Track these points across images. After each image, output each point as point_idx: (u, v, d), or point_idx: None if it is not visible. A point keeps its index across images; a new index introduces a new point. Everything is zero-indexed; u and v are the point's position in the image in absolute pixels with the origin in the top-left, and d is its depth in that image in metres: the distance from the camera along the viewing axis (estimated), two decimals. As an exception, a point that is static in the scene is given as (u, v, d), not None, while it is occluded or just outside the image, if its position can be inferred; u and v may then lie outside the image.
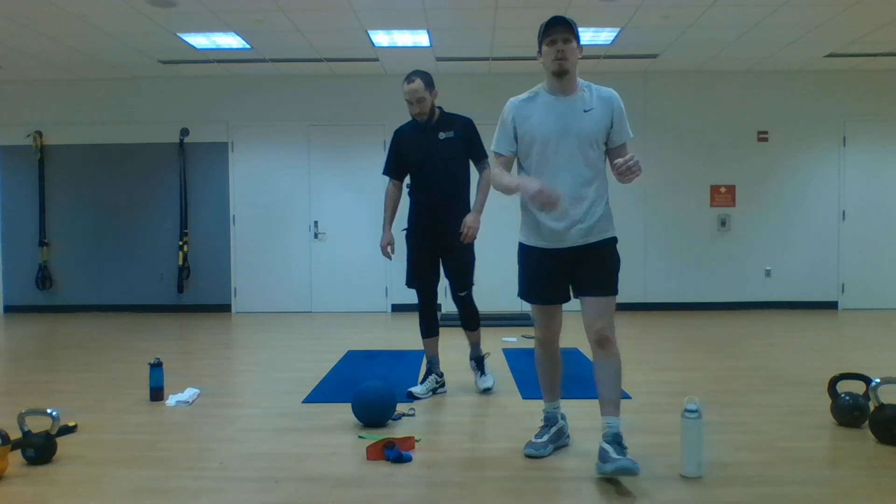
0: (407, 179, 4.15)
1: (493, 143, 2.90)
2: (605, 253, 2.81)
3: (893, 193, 8.07)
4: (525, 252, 2.96)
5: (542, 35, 2.75)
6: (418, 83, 3.83)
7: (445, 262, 4.08)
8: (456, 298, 4.13)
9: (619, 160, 2.62)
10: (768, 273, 8.11)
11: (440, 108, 4.01)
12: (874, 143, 8.02)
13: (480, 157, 4.00)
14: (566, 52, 2.71)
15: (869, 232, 8.08)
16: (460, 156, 3.98)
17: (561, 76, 2.75)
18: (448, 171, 3.96)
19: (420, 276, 4.10)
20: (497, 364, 5.04)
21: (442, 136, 3.93)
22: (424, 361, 4.28)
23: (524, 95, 2.87)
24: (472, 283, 4.14)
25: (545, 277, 2.88)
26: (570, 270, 2.83)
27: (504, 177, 2.86)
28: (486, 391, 4.14)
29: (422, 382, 4.12)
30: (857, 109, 8.02)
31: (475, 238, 3.93)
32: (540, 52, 2.78)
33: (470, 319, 4.17)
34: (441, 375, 4.18)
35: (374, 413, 3.46)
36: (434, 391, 4.11)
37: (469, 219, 3.90)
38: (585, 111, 2.75)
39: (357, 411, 3.48)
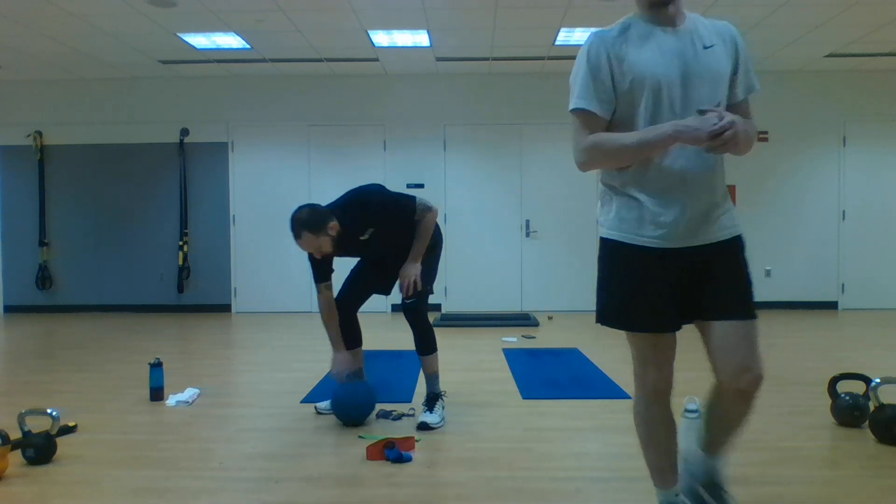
0: None
1: (572, 99, 1.95)
2: (740, 256, 2.01)
3: (893, 193, 8.07)
4: (616, 252, 2.01)
5: None
6: (305, 235, 3.31)
7: (392, 266, 3.63)
8: (403, 308, 3.59)
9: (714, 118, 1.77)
10: (768, 273, 8.11)
11: (345, 225, 3.42)
12: (874, 143, 8.02)
13: (407, 221, 3.47)
14: None
15: (869, 232, 8.08)
16: (388, 239, 3.53)
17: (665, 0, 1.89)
18: (382, 252, 3.62)
19: (360, 276, 3.76)
20: (497, 364, 5.04)
21: (365, 236, 3.49)
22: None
23: (612, 28, 1.96)
24: (426, 292, 3.60)
25: (654, 291, 1.96)
26: (689, 282, 1.97)
27: (619, 137, 1.90)
28: (422, 426, 3.39)
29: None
30: (857, 109, 8.02)
31: (420, 288, 3.49)
32: None
33: (422, 339, 3.59)
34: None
35: (353, 412, 3.49)
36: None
37: (408, 270, 3.46)
38: (706, 48, 1.92)
39: (338, 412, 3.54)
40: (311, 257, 3.52)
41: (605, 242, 2.03)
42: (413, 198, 3.50)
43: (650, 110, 1.89)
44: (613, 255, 2.01)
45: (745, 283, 1.99)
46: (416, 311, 3.57)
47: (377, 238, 3.50)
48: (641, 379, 2.07)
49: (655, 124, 1.87)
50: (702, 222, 1.94)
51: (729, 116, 1.77)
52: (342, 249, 3.50)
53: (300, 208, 3.38)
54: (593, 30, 2.07)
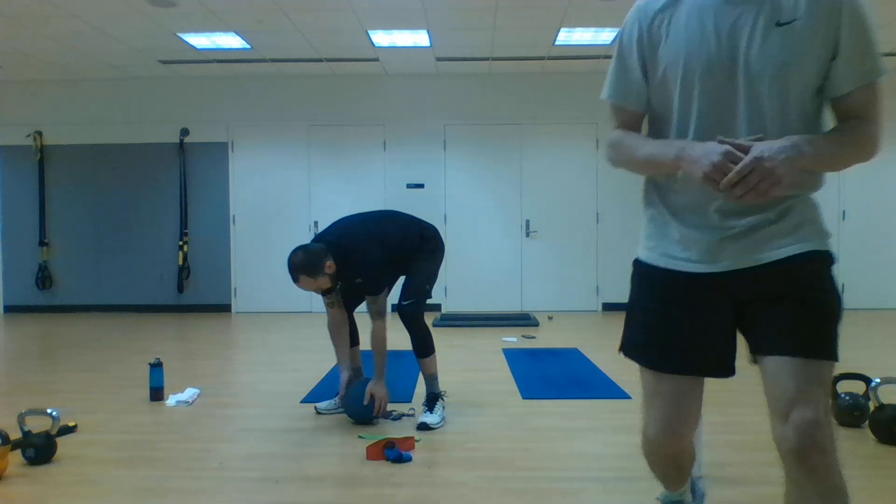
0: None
1: (604, 88, 1.67)
2: (812, 277, 1.48)
3: (893, 193, 8.07)
4: (642, 274, 1.66)
5: None
6: (303, 278, 3.35)
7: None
8: (399, 309, 3.55)
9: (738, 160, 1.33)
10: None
11: (339, 264, 3.42)
12: (874, 143, 8.01)
13: (368, 293, 3.48)
14: None
15: (869, 232, 8.07)
16: (384, 278, 3.55)
17: None
18: (385, 283, 3.57)
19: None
20: (497, 364, 5.04)
21: (360, 280, 3.50)
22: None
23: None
24: (423, 294, 3.57)
25: (684, 325, 1.57)
26: (739, 312, 1.55)
27: (634, 143, 1.57)
28: (422, 426, 3.41)
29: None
30: (857, 109, 8.02)
31: (385, 409, 3.51)
32: None
33: (420, 342, 3.58)
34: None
35: (366, 411, 3.50)
36: (339, 407, 3.73)
37: (376, 390, 3.45)
38: (780, 24, 1.41)
39: (351, 410, 3.57)
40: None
41: (634, 262, 1.68)
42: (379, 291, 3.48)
43: (682, 112, 1.49)
44: (639, 279, 1.66)
45: (815, 310, 1.45)
46: (413, 315, 3.55)
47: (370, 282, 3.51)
48: (649, 428, 1.66)
49: (687, 131, 1.48)
50: (747, 241, 1.48)
51: (753, 153, 1.32)
52: (342, 282, 3.56)
53: (295, 251, 3.40)
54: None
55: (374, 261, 3.44)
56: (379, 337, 3.46)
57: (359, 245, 3.45)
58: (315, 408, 3.79)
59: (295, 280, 3.36)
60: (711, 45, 1.44)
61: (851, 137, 1.46)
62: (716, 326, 1.56)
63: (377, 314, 3.47)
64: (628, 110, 1.61)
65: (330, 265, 3.37)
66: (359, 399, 3.49)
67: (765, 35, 1.41)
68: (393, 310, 3.59)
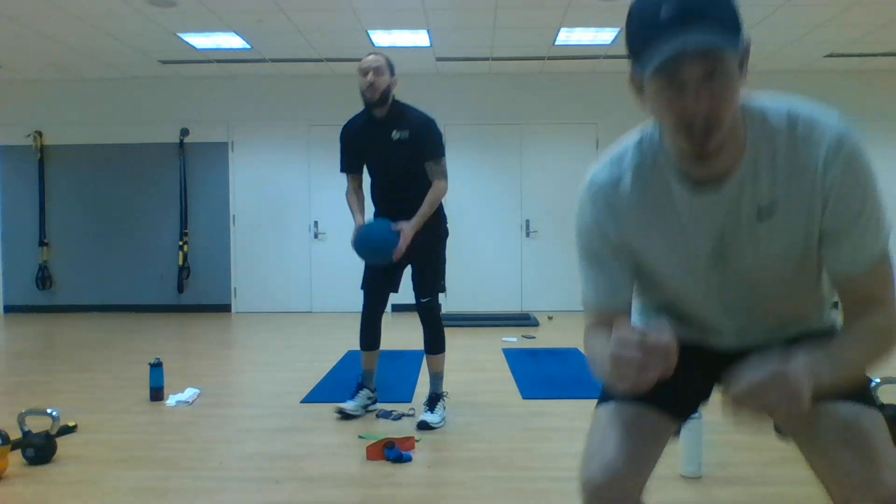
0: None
1: (585, 294, 1.35)
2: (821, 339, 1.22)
3: (893, 193, 8.05)
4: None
5: (643, 53, 1.07)
6: (380, 57, 3.41)
7: (411, 265, 3.61)
8: (416, 307, 3.58)
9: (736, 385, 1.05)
10: (768, 273, 8.11)
11: (397, 101, 3.51)
12: (874, 143, 7.99)
13: (433, 157, 3.45)
14: (714, 93, 1.06)
15: (869, 232, 8.06)
16: (417, 157, 3.47)
17: (705, 155, 1.12)
18: (404, 171, 3.48)
19: (372, 281, 3.66)
20: (497, 364, 5.04)
21: (395, 135, 3.43)
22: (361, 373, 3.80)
23: (606, 173, 1.29)
24: (439, 290, 3.58)
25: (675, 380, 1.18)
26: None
27: (596, 344, 1.26)
28: (422, 425, 3.40)
29: (353, 398, 3.65)
30: (857, 109, 8.00)
31: (402, 254, 3.38)
32: (638, 80, 1.15)
33: (433, 338, 3.59)
34: (374, 391, 3.75)
35: (380, 245, 3.39)
36: (366, 408, 3.68)
37: (405, 227, 3.37)
38: (761, 220, 1.19)
39: (362, 247, 3.44)
40: (344, 143, 3.71)
41: None
42: (444, 153, 3.53)
43: (676, 299, 1.34)
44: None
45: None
46: (432, 309, 3.57)
47: (400, 150, 3.46)
48: (588, 467, 1.27)
49: (684, 310, 1.33)
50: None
51: (746, 379, 1.04)
52: (373, 131, 3.52)
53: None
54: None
55: (433, 125, 3.51)
56: (439, 193, 3.46)
57: (421, 111, 3.57)
58: (340, 409, 3.61)
59: (371, 54, 3.45)
60: (681, 255, 1.26)
61: (870, 344, 1.19)
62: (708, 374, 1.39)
63: (441, 175, 3.47)
64: (613, 313, 1.29)
65: (396, 80, 3.46)
66: (383, 227, 3.38)
67: (749, 229, 1.20)
68: (394, 309, 3.59)
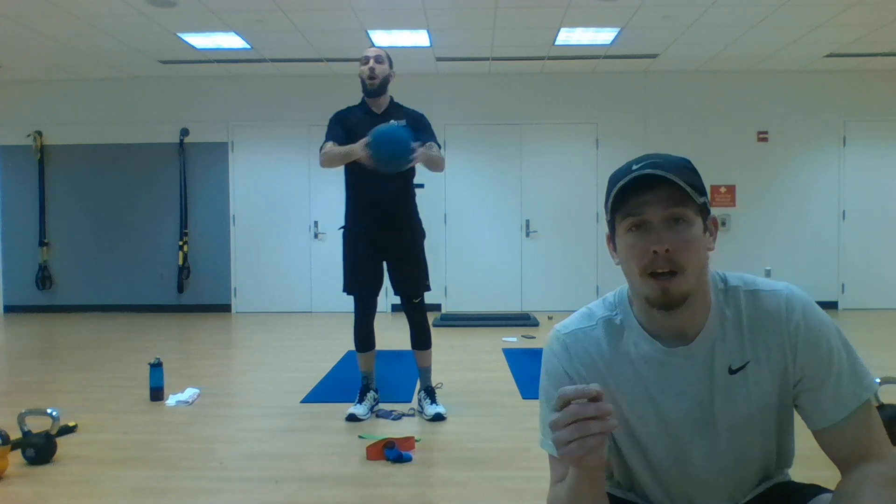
0: (340, 170, 3.66)
1: (544, 438, 1.23)
2: None
3: (893, 193, 8.07)
4: None
5: (614, 197, 1.22)
6: (381, 49, 3.65)
7: (393, 265, 3.66)
8: (406, 308, 3.68)
9: None
10: (768, 273, 8.10)
11: (394, 100, 3.69)
12: (874, 143, 8.02)
13: (431, 139, 3.55)
14: (677, 236, 1.14)
15: (869, 232, 8.07)
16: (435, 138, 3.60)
17: (670, 300, 1.15)
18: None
19: (361, 283, 3.68)
20: (497, 364, 5.04)
21: (393, 123, 3.43)
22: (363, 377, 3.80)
23: (577, 323, 1.31)
24: (425, 289, 3.69)
25: None
26: None
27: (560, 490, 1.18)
28: (437, 417, 3.55)
29: (360, 402, 3.66)
30: (857, 109, 8.02)
31: (419, 161, 3.38)
32: (611, 234, 1.29)
33: (421, 335, 3.69)
34: (377, 392, 3.77)
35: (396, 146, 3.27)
36: (373, 409, 3.70)
37: (418, 148, 3.31)
38: (734, 371, 1.21)
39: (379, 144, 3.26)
40: (339, 123, 3.70)
41: None
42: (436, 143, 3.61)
43: (645, 461, 1.29)
44: None
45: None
46: (422, 310, 3.70)
47: None
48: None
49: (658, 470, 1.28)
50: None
51: None
52: (369, 120, 3.52)
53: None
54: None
55: (427, 123, 3.65)
56: (441, 157, 3.60)
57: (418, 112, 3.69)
58: (353, 415, 3.56)
59: (376, 46, 3.54)
60: (654, 422, 1.24)
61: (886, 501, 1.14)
62: None
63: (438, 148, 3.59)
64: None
65: (394, 73, 3.65)
66: (400, 130, 3.30)
67: (726, 390, 1.21)
68: (394, 309, 3.62)
